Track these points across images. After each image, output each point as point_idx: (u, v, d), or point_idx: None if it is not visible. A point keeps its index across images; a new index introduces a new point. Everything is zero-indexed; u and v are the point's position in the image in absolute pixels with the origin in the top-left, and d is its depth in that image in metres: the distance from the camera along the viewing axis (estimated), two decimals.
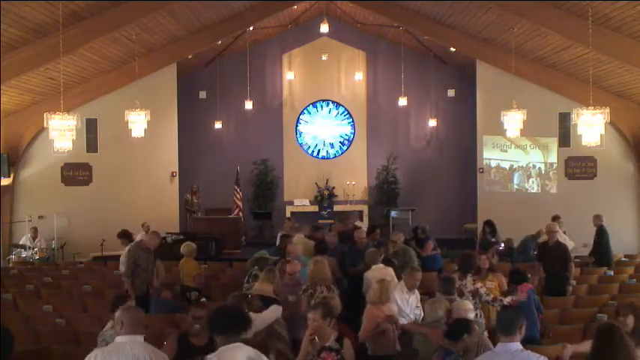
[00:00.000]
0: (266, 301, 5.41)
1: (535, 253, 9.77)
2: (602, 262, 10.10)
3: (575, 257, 10.97)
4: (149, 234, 8.45)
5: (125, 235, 9.39)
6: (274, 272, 6.31)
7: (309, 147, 17.57)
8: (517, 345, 3.68)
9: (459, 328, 4.29)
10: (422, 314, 5.91)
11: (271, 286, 5.85)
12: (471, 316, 4.80)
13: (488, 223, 11.01)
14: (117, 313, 3.87)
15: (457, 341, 4.20)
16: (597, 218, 10.52)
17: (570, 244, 9.98)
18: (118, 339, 3.74)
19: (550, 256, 8.30)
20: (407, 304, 5.97)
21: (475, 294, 5.99)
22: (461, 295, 6.00)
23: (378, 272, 6.89)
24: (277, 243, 9.32)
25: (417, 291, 6.20)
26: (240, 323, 3.69)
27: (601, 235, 10.30)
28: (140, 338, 3.75)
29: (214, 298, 7.71)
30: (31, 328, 6.41)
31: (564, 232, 10.24)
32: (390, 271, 6.99)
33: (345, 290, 7.28)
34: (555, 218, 10.53)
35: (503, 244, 12.20)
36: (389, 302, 5.70)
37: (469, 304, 4.95)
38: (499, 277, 6.75)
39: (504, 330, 3.73)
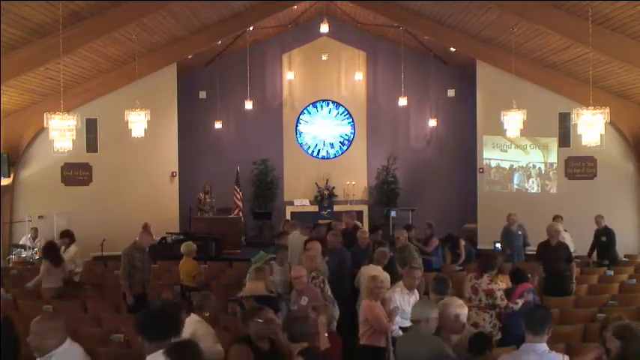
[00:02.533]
0: (260, 299, 5.27)
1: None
2: (613, 263, 10.18)
3: (575, 257, 11.02)
4: (141, 233, 8.47)
5: (68, 235, 9.78)
6: (265, 270, 6.29)
7: (309, 147, 17.57)
8: (544, 346, 3.58)
9: (481, 343, 4.06)
10: None
11: (262, 283, 5.75)
12: (463, 312, 4.42)
13: (449, 238, 10.89)
14: (35, 327, 3.63)
15: (478, 357, 3.99)
16: (603, 219, 10.57)
17: (572, 246, 10.02)
18: (66, 348, 3.64)
19: (552, 256, 8.30)
20: (408, 305, 5.86)
21: (490, 294, 5.94)
22: (475, 293, 5.98)
23: (371, 272, 6.89)
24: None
25: (417, 291, 6.16)
26: (167, 328, 3.44)
27: (611, 236, 10.39)
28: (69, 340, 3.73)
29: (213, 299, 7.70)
30: None
31: (565, 230, 10.29)
32: (386, 275, 6.96)
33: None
34: (556, 218, 10.54)
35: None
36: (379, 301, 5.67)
37: (459, 300, 4.66)
38: (507, 278, 6.74)
39: (534, 329, 3.61)
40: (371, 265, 7.15)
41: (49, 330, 3.61)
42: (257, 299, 5.20)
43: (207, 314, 5.01)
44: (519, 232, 10.84)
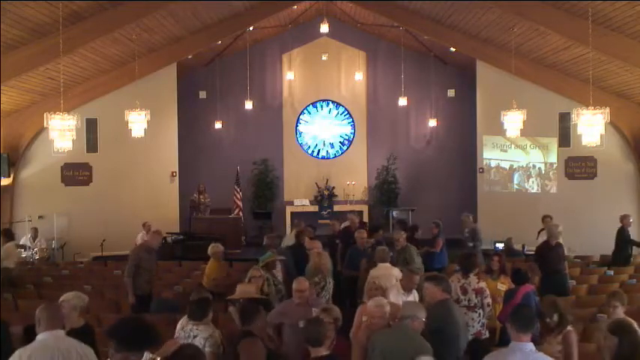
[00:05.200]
0: (251, 302, 5.13)
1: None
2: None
3: (575, 257, 11.03)
4: (151, 233, 8.44)
5: (7, 234, 9.96)
6: (258, 270, 6.25)
7: (309, 147, 17.57)
8: (531, 345, 3.61)
9: (479, 348, 4.27)
10: None
11: (254, 286, 5.67)
12: (388, 309, 4.67)
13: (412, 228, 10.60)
14: (37, 311, 3.83)
15: None
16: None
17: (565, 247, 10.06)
18: (40, 337, 3.72)
19: (553, 256, 8.34)
20: None
21: (480, 292, 5.98)
22: (465, 292, 6.01)
23: (385, 271, 6.84)
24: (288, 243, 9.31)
25: (415, 292, 6.14)
26: (145, 339, 3.22)
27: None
28: (61, 333, 3.78)
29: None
30: None
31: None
32: (396, 271, 6.93)
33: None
34: (545, 218, 10.52)
35: (503, 244, 12.24)
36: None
37: (384, 300, 4.83)
38: (509, 280, 6.75)
39: (522, 328, 3.62)
40: (379, 264, 7.07)
41: (37, 318, 3.78)
42: (249, 302, 5.11)
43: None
44: (466, 235, 10.71)
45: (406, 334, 4.34)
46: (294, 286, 5.50)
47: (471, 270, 6.25)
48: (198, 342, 4.44)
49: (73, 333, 4.47)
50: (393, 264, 7.56)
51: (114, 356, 3.17)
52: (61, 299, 4.82)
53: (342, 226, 10.77)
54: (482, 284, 6.13)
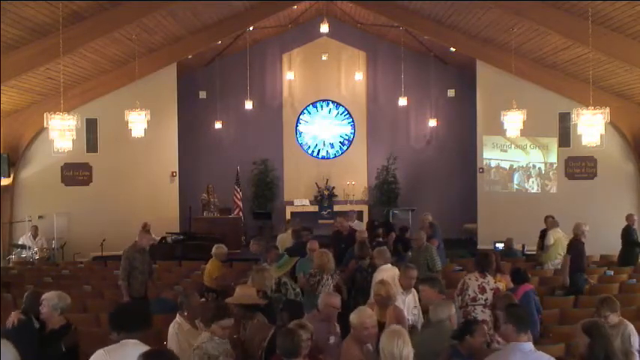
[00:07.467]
0: (253, 309, 4.85)
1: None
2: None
3: None
4: (139, 233, 8.39)
5: None
6: (264, 272, 5.73)
7: (309, 147, 17.58)
8: (530, 345, 3.58)
9: (461, 329, 4.29)
10: (420, 315, 5.86)
11: (254, 289, 5.24)
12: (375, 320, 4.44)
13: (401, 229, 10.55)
14: None
15: (461, 342, 4.19)
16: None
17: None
18: None
19: (583, 255, 8.46)
20: (404, 305, 5.73)
21: (497, 293, 5.97)
22: (483, 291, 6.00)
23: (385, 273, 6.76)
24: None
25: (414, 290, 6.09)
26: (141, 321, 3.75)
27: None
28: None
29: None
30: None
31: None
32: (396, 270, 6.85)
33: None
34: (547, 217, 10.49)
35: (503, 244, 12.23)
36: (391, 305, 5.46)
37: (369, 310, 4.52)
38: (506, 278, 6.73)
39: (519, 327, 3.59)
40: (382, 266, 6.89)
41: None
42: (246, 307, 4.84)
43: (186, 314, 4.98)
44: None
45: (441, 334, 4.39)
46: (329, 300, 4.89)
47: (487, 269, 6.20)
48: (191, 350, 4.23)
49: (53, 334, 4.45)
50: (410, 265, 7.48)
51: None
52: (42, 297, 4.69)
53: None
54: (499, 285, 6.14)
